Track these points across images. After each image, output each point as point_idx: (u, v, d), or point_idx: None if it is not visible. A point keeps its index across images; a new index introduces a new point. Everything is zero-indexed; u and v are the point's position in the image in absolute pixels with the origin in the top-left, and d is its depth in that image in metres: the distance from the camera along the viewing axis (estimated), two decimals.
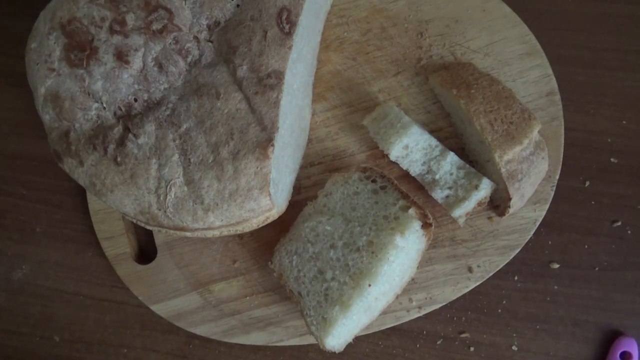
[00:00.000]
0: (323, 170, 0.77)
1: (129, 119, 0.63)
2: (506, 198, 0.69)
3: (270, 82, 0.62)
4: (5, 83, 0.87)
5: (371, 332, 0.75)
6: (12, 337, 0.82)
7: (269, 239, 0.76)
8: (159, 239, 0.77)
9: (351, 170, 0.72)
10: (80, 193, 0.83)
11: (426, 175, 0.72)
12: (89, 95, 0.63)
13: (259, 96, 0.62)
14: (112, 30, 0.62)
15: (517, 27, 0.77)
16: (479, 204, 0.70)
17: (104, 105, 0.63)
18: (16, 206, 0.84)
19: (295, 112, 0.69)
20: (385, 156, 0.75)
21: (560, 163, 0.75)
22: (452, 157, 0.71)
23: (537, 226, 0.74)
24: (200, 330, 0.76)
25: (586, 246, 0.77)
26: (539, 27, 0.78)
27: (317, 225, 0.69)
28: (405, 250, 0.66)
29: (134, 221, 0.67)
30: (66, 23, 0.63)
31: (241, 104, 0.62)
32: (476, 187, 0.69)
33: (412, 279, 0.73)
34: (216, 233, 0.66)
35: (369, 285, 0.64)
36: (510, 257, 0.74)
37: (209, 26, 0.64)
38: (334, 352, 0.66)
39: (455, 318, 0.78)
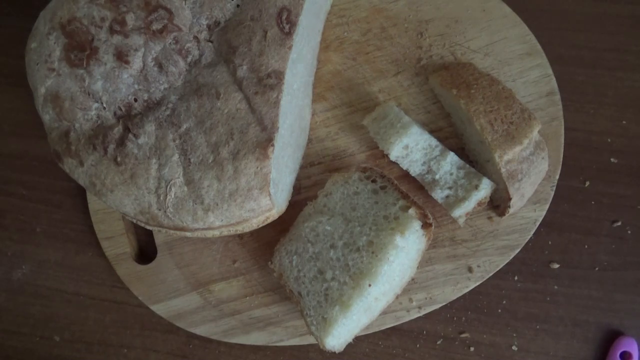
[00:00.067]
0: (323, 170, 0.77)
1: (129, 119, 0.63)
2: (506, 198, 0.69)
3: (270, 82, 0.62)
4: (5, 83, 0.87)
5: (371, 332, 0.75)
6: (12, 337, 0.82)
7: (269, 239, 0.76)
8: (159, 239, 0.77)
9: (351, 170, 0.72)
10: (80, 193, 0.83)
11: (426, 175, 0.72)
12: (89, 95, 0.63)
13: (259, 96, 0.62)
14: (112, 30, 0.62)
15: (517, 27, 0.77)
16: (479, 204, 0.70)
17: (104, 105, 0.63)
18: (16, 206, 0.84)
19: (295, 112, 0.69)
20: (385, 156, 0.75)
21: (560, 163, 0.75)
22: (452, 157, 0.71)
23: (537, 226, 0.74)
24: (200, 330, 0.76)
25: (586, 246, 0.77)
26: (539, 27, 0.78)
27: (317, 225, 0.69)
28: (405, 250, 0.66)
29: (134, 221, 0.67)
30: (66, 23, 0.63)
31: (241, 104, 0.62)
32: (476, 187, 0.69)
33: (412, 279, 0.73)
34: (216, 233, 0.66)
35: (369, 285, 0.64)
36: (510, 257, 0.74)
37: (209, 26, 0.64)
38: (334, 352, 0.66)
39: (455, 318, 0.78)
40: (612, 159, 0.78)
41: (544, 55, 0.76)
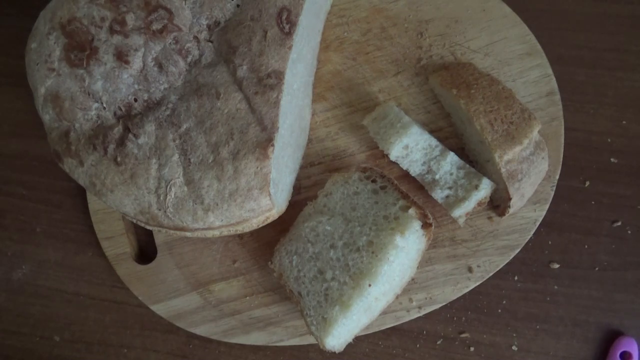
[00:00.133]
0: (323, 170, 0.77)
1: (129, 119, 0.63)
2: (506, 198, 0.69)
3: (270, 82, 0.62)
4: (5, 83, 0.87)
5: (371, 332, 0.75)
6: (12, 337, 0.82)
7: (269, 239, 0.76)
8: (159, 239, 0.77)
9: (351, 170, 0.72)
10: (80, 193, 0.83)
11: (426, 175, 0.72)
12: (89, 95, 0.63)
13: (259, 96, 0.62)
14: (112, 30, 0.62)
15: (517, 27, 0.77)
16: (479, 204, 0.70)
17: (104, 105, 0.63)
18: (16, 206, 0.84)
19: (295, 112, 0.69)
20: (385, 156, 0.75)
21: (560, 163, 0.75)
22: (452, 157, 0.71)
23: (537, 226, 0.74)
24: (200, 330, 0.76)
25: (586, 246, 0.77)
26: (539, 27, 0.78)
27: (317, 225, 0.69)
28: (405, 250, 0.66)
29: (134, 221, 0.67)
30: (66, 23, 0.63)
31: (241, 104, 0.62)
32: (476, 187, 0.69)
33: (412, 279, 0.73)
34: (216, 233, 0.66)
35: (369, 285, 0.64)
36: (510, 257, 0.74)
37: (209, 26, 0.64)
38: (334, 352, 0.66)
39: (455, 318, 0.78)
40: (612, 159, 0.78)
41: (544, 55, 0.76)
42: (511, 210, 0.70)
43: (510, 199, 0.68)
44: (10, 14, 0.88)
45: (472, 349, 0.77)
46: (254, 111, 0.62)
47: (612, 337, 0.76)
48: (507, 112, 0.68)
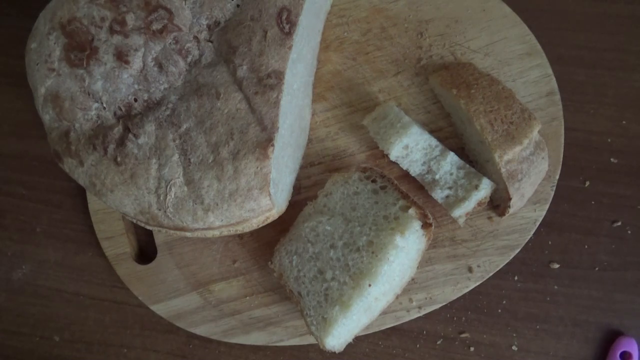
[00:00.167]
0: (323, 170, 0.77)
1: (129, 119, 0.63)
2: (506, 198, 0.69)
3: (270, 82, 0.62)
4: (5, 83, 0.87)
5: (371, 332, 0.75)
6: (12, 337, 0.82)
7: (269, 239, 0.76)
8: (159, 239, 0.77)
9: (351, 170, 0.72)
10: (80, 193, 0.83)
11: (426, 175, 0.72)
12: (89, 95, 0.63)
13: (259, 96, 0.62)
14: (112, 30, 0.62)
15: (517, 27, 0.77)
16: (479, 204, 0.70)
17: (104, 105, 0.63)
18: (16, 206, 0.84)
19: (295, 112, 0.69)
20: (385, 156, 0.75)
21: (560, 163, 0.75)
22: (452, 157, 0.71)
23: (537, 226, 0.74)
24: (200, 330, 0.76)
25: (586, 246, 0.77)
26: (539, 27, 0.78)
27: (317, 225, 0.69)
28: (405, 250, 0.66)
29: (134, 221, 0.67)
30: (66, 23, 0.63)
31: (241, 104, 0.62)
32: (476, 187, 0.69)
33: (412, 279, 0.73)
34: (216, 233, 0.66)
35: (369, 285, 0.64)
36: (510, 257, 0.74)
37: (209, 26, 0.64)
38: (334, 352, 0.66)
39: (455, 318, 0.78)
40: (612, 159, 0.78)
41: (544, 55, 0.76)
42: (511, 210, 0.70)
43: (510, 199, 0.68)
44: (10, 14, 0.88)
45: (472, 349, 0.77)
46: (254, 111, 0.62)
47: (612, 337, 0.76)
48: (507, 112, 0.68)
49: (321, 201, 0.71)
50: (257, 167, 0.61)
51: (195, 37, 0.64)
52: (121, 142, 0.62)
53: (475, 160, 0.74)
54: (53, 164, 0.83)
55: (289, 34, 0.63)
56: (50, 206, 0.84)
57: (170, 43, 0.63)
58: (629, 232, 0.77)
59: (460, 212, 0.69)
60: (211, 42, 0.64)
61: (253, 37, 0.63)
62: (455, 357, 0.77)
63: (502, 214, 0.72)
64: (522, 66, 0.76)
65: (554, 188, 0.74)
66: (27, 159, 0.85)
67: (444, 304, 0.74)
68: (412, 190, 0.75)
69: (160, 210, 0.62)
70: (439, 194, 0.71)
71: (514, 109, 0.69)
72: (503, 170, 0.67)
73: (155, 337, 0.81)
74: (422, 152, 0.72)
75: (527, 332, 0.77)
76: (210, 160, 0.61)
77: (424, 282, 0.74)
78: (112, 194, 0.63)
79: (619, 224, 0.77)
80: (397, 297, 0.71)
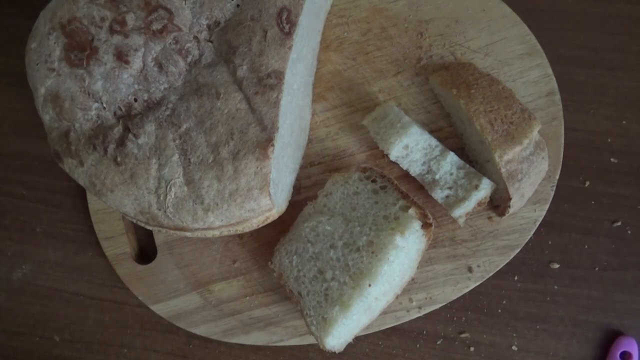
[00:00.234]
0: (323, 170, 0.77)
1: (129, 119, 0.63)
2: (506, 198, 0.69)
3: (270, 82, 0.62)
4: (5, 83, 0.87)
5: (371, 332, 0.75)
6: (12, 337, 0.82)
7: (269, 239, 0.76)
8: (159, 239, 0.77)
9: (351, 170, 0.72)
10: (80, 193, 0.83)
11: (426, 175, 0.72)
12: (89, 95, 0.63)
13: (259, 96, 0.62)
14: (112, 30, 0.62)
15: (517, 27, 0.77)
16: (479, 204, 0.70)
17: (104, 105, 0.63)
18: (16, 206, 0.84)
19: (295, 112, 0.69)
20: (385, 156, 0.75)
21: (560, 163, 0.75)
22: (452, 157, 0.71)
23: (537, 226, 0.74)
24: (200, 330, 0.76)
25: (586, 246, 0.77)
26: (539, 27, 0.78)
27: (317, 225, 0.69)
28: (405, 250, 0.66)
29: (134, 221, 0.67)
30: (66, 23, 0.63)
31: (241, 104, 0.62)
32: (476, 187, 0.69)
33: (412, 279, 0.73)
34: (216, 233, 0.66)
35: (369, 285, 0.64)
36: (510, 257, 0.74)
37: (209, 26, 0.64)
38: (334, 352, 0.66)
39: (455, 318, 0.78)
40: (612, 159, 0.78)
41: (544, 55, 0.76)
42: (511, 210, 0.70)
43: (510, 199, 0.68)
44: (10, 14, 0.88)
45: (472, 349, 0.77)
46: (254, 111, 0.62)
47: (612, 337, 0.76)
48: (507, 112, 0.68)
49: (321, 201, 0.71)
50: (257, 167, 0.61)
51: (195, 37, 0.64)
52: (121, 142, 0.62)
53: (475, 160, 0.74)
54: (53, 164, 0.83)
55: (289, 34, 0.63)
56: (50, 206, 0.84)
57: (170, 43, 0.63)
58: (629, 232, 0.77)
59: (460, 212, 0.69)
60: (211, 42, 0.64)
61: (253, 37, 0.63)
62: (455, 357, 0.77)
63: (502, 214, 0.72)
64: (522, 66, 0.76)
65: (554, 188, 0.74)
66: (27, 159, 0.85)
67: (444, 304, 0.74)
68: (412, 190, 0.75)
69: (160, 210, 0.62)
70: (439, 194, 0.71)
71: (514, 109, 0.69)
72: (503, 170, 0.67)
73: (155, 337, 0.81)
74: (422, 152, 0.72)
75: (527, 332, 0.77)
76: (210, 160, 0.61)
77: (424, 282, 0.74)
78: (112, 194, 0.63)
79: (619, 224, 0.77)
80: (397, 297, 0.71)
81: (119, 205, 0.64)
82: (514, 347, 0.77)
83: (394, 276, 0.67)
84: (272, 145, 0.61)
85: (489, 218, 0.75)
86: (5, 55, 0.87)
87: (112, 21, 0.62)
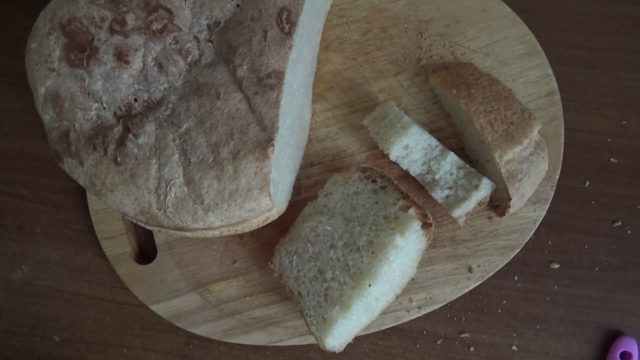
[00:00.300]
0: (323, 170, 0.77)
1: (129, 119, 0.63)
2: (506, 198, 0.69)
3: (270, 82, 0.62)
4: (5, 83, 0.87)
5: (371, 332, 0.75)
6: (12, 337, 0.82)
7: (269, 239, 0.76)
8: (159, 239, 0.77)
9: (351, 170, 0.72)
10: (80, 193, 0.83)
11: (426, 175, 0.72)
12: (89, 95, 0.63)
13: (259, 96, 0.62)
14: (112, 30, 0.62)
15: (517, 27, 0.77)
16: (479, 204, 0.70)
17: (104, 105, 0.63)
18: (16, 206, 0.84)
19: (295, 112, 0.69)
20: (385, 156, 0.75)
21: (560, 163, 0.75)
22: (452, 157, 0.71)
23: (537, 226, 0.74)
24: (200, 330, 0.76)
25: (586, 246, 0.77)
26: (539, 27, 0.78)
27: (317, 225, 0.69)
28: (405, 250, 0.66)
29: (134, 221, 0.67)
30: (66, 23, 0.63)
31: (241, 104, 0.62)
32: (476, 187, 0.69)
33: (412, 279, 0.73)
34: (216, 233, 0.66)
35: (369, 285, 0.64)
36: (510, 257, 0.74)
37: (209, 26, 0.64)
38: (334, 352, 0.66)
39: (455, 318, 0.78)
40: (612, 159, 0.78)
41: (544, 55, 0.76)
42: (511, 210, 0.70)
43: (510, 199, 0.68)
44: (10, 14, 0.88)
45: (472, 349, 0.77)
46: (254, 111, 0.62)
47: (612, 337, 0.76)
48: (507, 112, 0.68)
49: (321, 201, 0.71)
50: (257, 167, 0.61)
51: (195, 37, 0.64)
52: (121, 142, 0.62)
53: (475, 160, 0.74)
54: (53, 164, 0.83)
55: (289, 34, 0.63)
56: (50, 206, 0.84)
57: (170, 43, 0.63)
58: (629, 232, 0.77)
59: (460, 212, 0.69)
60: (211, 42, 0.64)
61: (253, 37, 0.63)
62: (455, 357, 0.77)
63: (502, 214, 0.72)
64: (522, 66, 0.76)
65: (554, 188, 0.74)
66: (27, 159, 0.85)
67: (444, 304, 0.74)
68: (412, 190, 0.75)
69: (160, 210, 0.62)
70: (439, 194, 0.71)
71: (514, 109, 0.69)
72: (503, 170, 0.67)
73: (155, 337, 0.81)
74: (422, 152, 0.72)
75: (527, 332, 0.77)
76: (210, 160, 0.61)
77: (424, 282, 0.74)
78: (112, 194, 0.63)
79: (619, 224, 0.77)
80: (397, 297, 0.71)
81: (119, 205, 0.64)
82: (514, 347, 0.77)
83: (394, 276, 0.67)
84: (272, 145, 0.61)
85: (489, 218, 0.75)
86: (5, 55, 0.87)
87: (112, 21, 0.62)
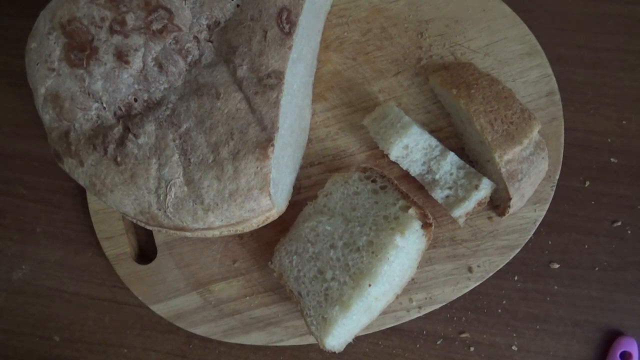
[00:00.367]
0: (323, 170, 0.77)
1: (129, 119, 0.63)
2: (506, 198, 0.69)
3: (270, 82, 0.62)
4: (5, 83, 0.87)
5: (371, 332, 0.75)
6: (12, 337, 0.82)
7: (269, 239, 0.76)
8: (159, 239, 0.77)
9: (351, 170, 0.72)
10: (80, 193, 0.83)
11: (426, 175, 0.72)
12: (89, 95, 0.63)
13: (259, 96, 0.62)
14: (112, 30, 0.62)
15: (517, 27, 0.77)
16: (479, 204, 0.70)
17: (104, 105, 0.63)
18: (16, 206, 0.84)
19: (295, 112, 0.69)
20: (385, 156, 0.75)
21: (560, 163, 0.75)
22: (452, 157, 0.71)
23: (537, 226, 0.74)
24: (200, 330, 0.76)
25: (586, 246, 0.77)
26: (539, 27, 0.78)
27: (317, 225, 0.69)
28: (405, 250, 0.66)
29: (134, 221, 0.67)
30: (66, 23, 0.63)
31: (241, 104, 0.62)
32: (476, 187, 0.69)
33: (412, 279, 0.73)
34: (216, 233, 0.66)
35: (369, 285, 0.64)
36: (510, 257, 0.74)
37: (209, 26, 0.64)
38: (334, 352, 0.66)
39: (455, 318, 0.78)
40: (612, 159, 0.78)
41: (544, 55, 0.76)
42: (511, 210, 0.70)
43: (510, 199, 0.68)
44: (10, 14, 0.88)
45: (472, 349, 0.77)
46: (254, 111, 0.62)
47: (612, 337, 0.76)
48: (507, 112, 0.68)
49: (321, 201, 0.71)
50: (257, 167, 0.61)
51: (195, 37, 0.64)
52: (121, 142, 0.62)
53: (475, 160, 0.74)
54: (53, 164, 0.83)
55: (289, 34, 0.63)
56: (50, 206, 0.84)
57: (170, 43, 0.63)
58: (629, 232, 0.77)
59: (460, 212, 0.69)
60: (211, 42, 0.64)
61: (253, 37, 0.63)
62: (455, 357, 0.77)
63: (502, 214, 0.72)
64: (522, 66, 0.76)
65: (554, 188, 0.74)
66: (27, 159, 0.85)
67: (444, 304, 0.74)
68: (412, 190, 0.75)
69: (160, 210, 0.62)
70: (439, 194, 0.71)
71: (514, 109, 0.69)
72: (503, 170, 0.67)
73: (155, 337, 0.81)
74: (422, 152, 0.72)
75: (527, 332, 0.77)
76: (210, 160, 0.61)
77: (424, 282, 0.74)
78: (112, 194, 0.63)
79: (619, 224, 0.77)
80: (397, 297, 0.71)
81: (119, 205, 0.64)
82: (514, 347, 0.77)
83: (394, 276, 0.67)
84: (272, 145, 0.61)
85: (489, 218, 0.75)
86: (5, 55, 0.87)
87: (112, 21, 0.62)
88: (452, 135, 0.76)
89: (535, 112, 0.74)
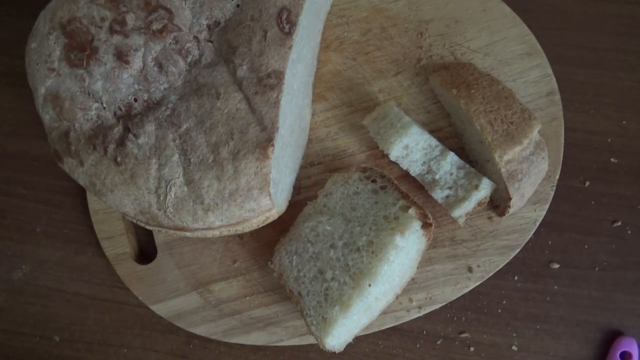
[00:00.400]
0: (323, 170, 0.77)
1: (129, 119, 0.63)
2: (506, 198, 0.69)
3: (270, 82, 0.62)
4: (5, 83, 0.87)
5: (371, 332, 0.75)
6: (12, 337, 0.82)
7: (269, 239, 0.76)
8: (159, 239, 0.77)
9: (351, 170, 0.72)
10: (80, 193, 0.83)
11: (426, 175, 0.72)
12: (89, 95, 0.63)
13: (259, 96, 0.62)
14: (112, 30, 0.62)
15: (517, 27, 0.77)
16: (479, 204, 0.70)
17: (104, 105, 0.63)
18: (16, 206, 0.84)
19: (295, 112, 0.69)
20: (385, 156, 0.75)
21: (560, 163, 0.75)
22: (452, 157, 0.71)
23: (537, 226, 0.74)
24: (200, 330, 0.76)
25: (586, 246, 0.77)
26: (539, 27, 0.78)
27: (317, 225, 0.69)
28: (405, 250, 0.66)
29: (134, 221, 0.67)
30: (66, 23, 0.63)
31: (241, 104, 0.62)
32: (476, 187, 0.69)
33: (412, 279, 0.73)
34: (216, 233, 0.66)
35: (369, 285, 0.64)
36: (510, 257, 0.74)
37: (209, 26, 0.64)
38: (334, 352, 0.66)
39: (455, 318, 0.78)
40: (612, 159, 0.78)
41: (544, 55, 0.76)
42: (511, 210, 0.70)
43: (510, 199, 0.68)
44: (10, 14, 0.88)
45: (472, 349, 0.77)
46: (254, 111, 0.62)
47: (612, 337, 0.76)
48: (507, 112, 0.68)
49: (321, 201, 0.71)
50: (257, 167, 0.61)
51: (195, 37, 0.64)
52: (121, 142, 0.62)
53: (475, 160, 0.74)
54: (53, 164, 0.83)
55: (289, 34, 0.63)
56: (50, 206, 0.84)
57: (170, 43, 0.63)
58: (629, 232, 0.77)
59: (460, 212, 0.69)
60: (211, 42, 0.64)
61: (253, 37, 0.63)
62: (455, 357, 0.77)
63: (502, 214, 0.72)
64: (522, 66, 0.76)
65: (554, 188, 0.74)
66: (27, 159, 0.85)
67: (444, 304, 0.74)
68: (412, 190, 0.75)
69: (160, 210, 0.62)
70: (439, 194, 0.71)
71: (514, 109, 0.69)
72: (503, 170, 0.67)
73: (155, 337, 0.81)
74: (422, 152, 0.72)
75: (527, 332, 0.77)
76: (210, 160, 0.61)
77: (424, 282, 0.74)
78: (112, 194, 0.63)
79: (619, 224, 0.77)
80: (397, 297, 0.71)
81: (119, 205, 0.64)
82: (514, 347, 0.77)
83: (394, 276, 0.67)
84: (272, 145, 0.61)
85: (489, 218, 0.75)
86: (5, 55, 0.87)
87: (112, 21, 0.62)
88: (452, 135, 0.76)
89: (535, 112, 0.74)
